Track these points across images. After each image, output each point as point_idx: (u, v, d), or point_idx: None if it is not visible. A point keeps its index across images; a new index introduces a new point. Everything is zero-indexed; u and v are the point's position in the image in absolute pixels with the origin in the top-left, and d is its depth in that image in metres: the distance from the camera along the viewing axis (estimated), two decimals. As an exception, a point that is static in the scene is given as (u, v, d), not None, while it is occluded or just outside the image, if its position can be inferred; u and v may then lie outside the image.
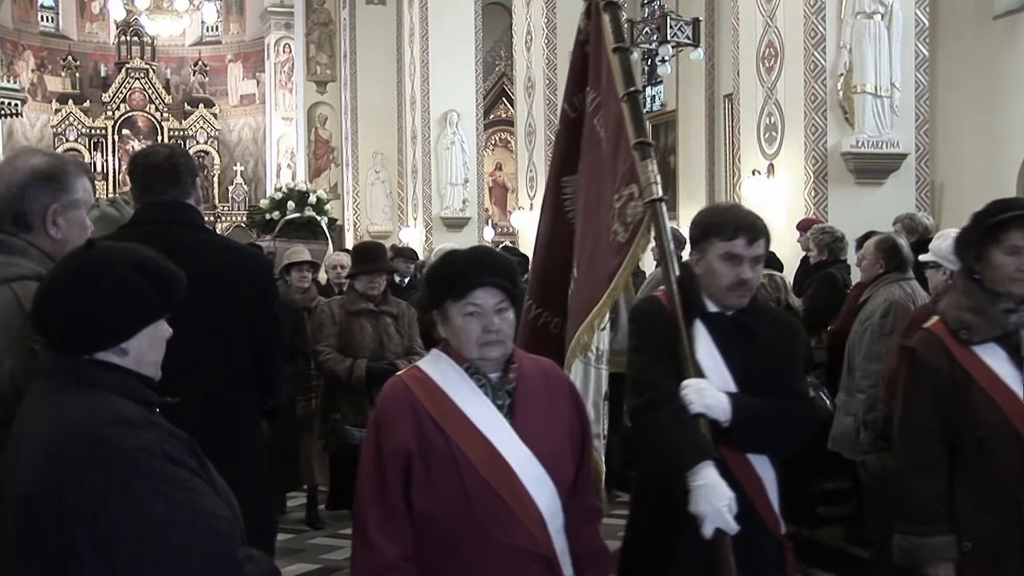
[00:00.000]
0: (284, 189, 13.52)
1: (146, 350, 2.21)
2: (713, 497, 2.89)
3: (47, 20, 28.61)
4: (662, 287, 3.41)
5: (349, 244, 19.27)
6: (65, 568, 2.00)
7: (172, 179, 3.56)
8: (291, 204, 13.07)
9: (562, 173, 4.36)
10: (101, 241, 2.34)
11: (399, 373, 2.95)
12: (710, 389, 3.12)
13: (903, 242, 6.39)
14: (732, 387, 3.19)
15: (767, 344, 3.26)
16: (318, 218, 13.51)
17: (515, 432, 2.77)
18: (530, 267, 4.92)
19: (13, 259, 2.66)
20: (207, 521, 2.06)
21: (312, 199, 12.97)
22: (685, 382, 3.13)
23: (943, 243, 5.19)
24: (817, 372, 6.87)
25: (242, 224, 27.54)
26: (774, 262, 7.42)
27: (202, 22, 28.80)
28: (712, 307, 3.29)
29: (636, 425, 3.22)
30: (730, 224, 3.27)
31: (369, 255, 6.63)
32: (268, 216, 13.48)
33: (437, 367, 2.85)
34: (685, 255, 4.71)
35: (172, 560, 2.00)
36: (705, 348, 3.23)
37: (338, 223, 18.79)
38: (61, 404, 2.11)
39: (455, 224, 19.33)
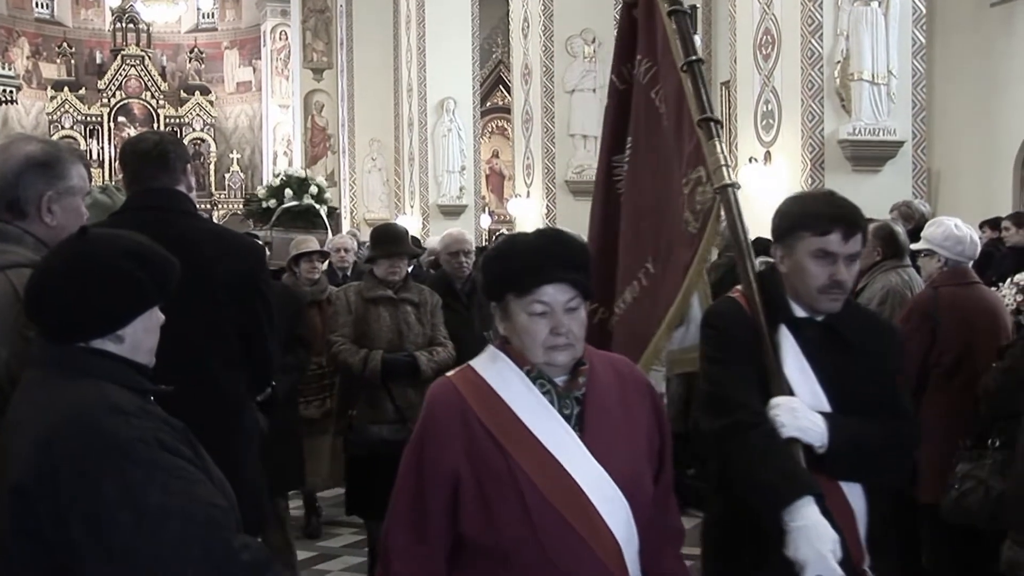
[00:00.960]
0: (283, 176, 12.14)
1: (141, 337, 2.20)
2: (816, 540, 2.52)
3: (42, 7, 28.52)
4: (738, 287, 3.05)
5: (345, 232, 19.24)
6: (60, 557, 1.99)
7: (161, 166, 3.53)
8: (289, 192, 12.23)
9: (612, 152, 3.94)
10: (95, 228, 2.34)
11: (448, 375, 2.57)
12: (803, 409, 2.74)
13: (900, 229, 6.39)
14: (825, 405, 2.80)
15: (864, 355, 2.86)
16: (317, 206, 12.60)
17: (586, 447, 2.40)
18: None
19: (8, 247, 2.66)
20: (202, 510, 2.05)
21: (312, 189, 12.02)
22: (774, 400, 2.75)
23: (936, 230, 5.18)
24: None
25: (238, 212, 27.55)
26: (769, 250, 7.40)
27: (198, 9, 28.79)
28: (799, 311, 2.89)
29: (717, 448, 2.83)
30: (824, 216, 2.84)
31: (390, 238, 5.97)
32: (265, 204, 12.63)
33: (494, 369, 2.49)
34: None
35: (167, 549, 2.00)
36: (793, 359, 2.85)
37: (337, 211, 18.11)
38: (55, 393, 2.10)
39: (452, 212, 19.31)
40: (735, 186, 3.16)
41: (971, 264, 5.19)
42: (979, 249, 5.32)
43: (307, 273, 6.87)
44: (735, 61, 11.71)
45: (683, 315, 3.43)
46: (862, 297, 6.26)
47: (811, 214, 2.85)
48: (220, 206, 27.97)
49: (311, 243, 7.28)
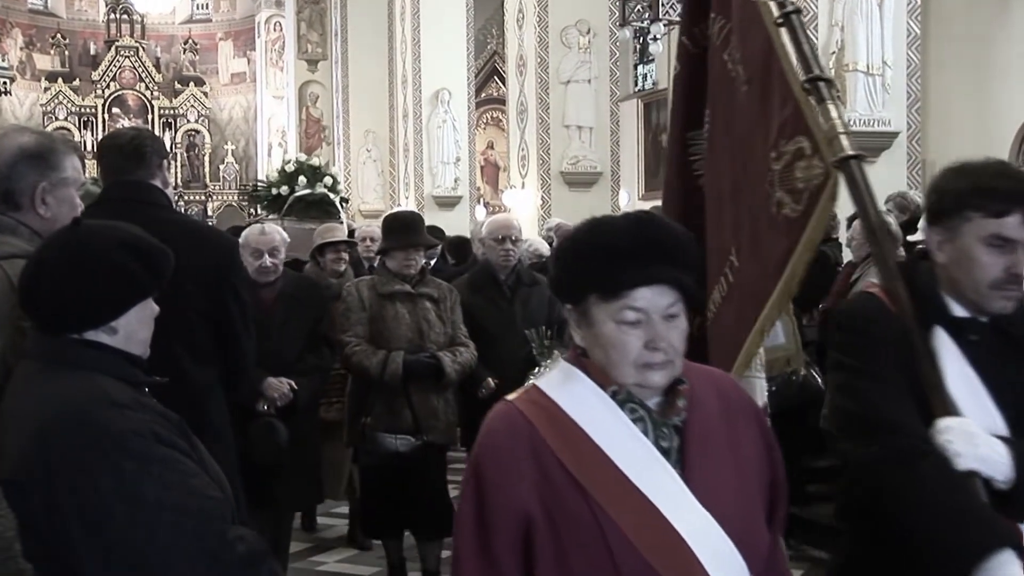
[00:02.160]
0: (294, 162, 11.27)
1: (136, 328, 2.20)
2: None
3: (36, -2, 28.45)
4: (873, 280, 2.57)
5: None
6: (55, 549, 2.00)
7: (136, 160, 3.56)
8: (302, 179, 11.15)
9: (687, 127, 3.35)
10: (88, 220, 2.34)
11: (511, 399, 2.06)
12: (981, 434, 2.22)
13: (892, 220, 6.40)
14: (1001, 427, 2.29)
15: None
16: (332, 196, 11.58)
17: (688, 488, 1.93)
18: None
19: (3, 237, 2.66)
20: (197, 502, 2.05)
21: (328, 180, 11.18)
22: (944, 423, 2.23)
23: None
24: (808, 350, 6.88)
25: (233, 203, 27.51)
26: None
27: (192, 0, 28.69)
28: (959, 311, 2.39)
29: (868, 479, 2.33)
30: (1001, 192, 2.32)
31: (404, 227, 5.42)
32: (276, 191, 11.44)
33: (570, 391, 2.00)
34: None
35: (162, 541, 2.00)
36: (956, 370, 2.32)
37: (348, 203, 17.62)
38: (49, 385, 2.10)
39: (447, 203, 19.29)
40: (860, 157, 2.53)
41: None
42: None
43: (332, 264, 6.46)
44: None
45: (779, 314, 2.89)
46: (856, 288, 6.28)
47: (983, 190, 2.33)
48: (214, 197, 27.93)
49: (338, 231, 6.90)
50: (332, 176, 11.24)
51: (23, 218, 2.73)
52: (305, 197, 10.95)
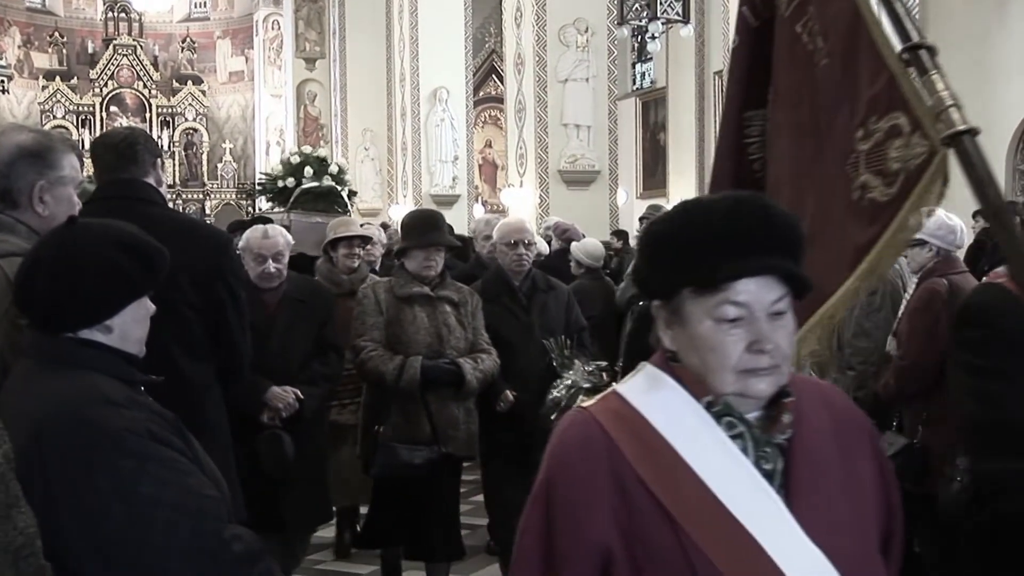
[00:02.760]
0: (299, 153, 10.80)
1: (131, 327, 2.20)
2: None
3: (33, -4, 28.43)
4: (999, 270, 2.37)
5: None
6: (52, 548, 1.99)
7: (130, 158, 3.57)
8: (308, 170, 10.58)
9: (745, 106, 2.98)
10: (83, 219, 2.34)
11: (588, 407, 1.78)
12: None
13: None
14: None
15: None
16: (339, 188, 11.00)
17: (795, 519, 1.66)
18: None
19: (1, 236, 2.66)
20: (193, 500, 2.05)
21: (333, 168, 10.62)
22: None
23: (928, 220, 5.16)
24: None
25: (231, 202, 27.50)
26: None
27: (190, -2, 28.68)
28: None
29: (1012, 495, 2.06)
30: None
31: (425, 225, 5.07)
32: (282, 183, 10.84)
33: (656, 400, 1.73)
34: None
35: (158, 539, 2.00)
36: None
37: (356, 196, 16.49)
38: (45, 384, 2.10)
39: (445, 202, 19.29)
40: (974, 132, 2.25)
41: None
42: (966, 239, 5.35)
43: (345, 259, 6.14)
44: (728, 50, 11.69)
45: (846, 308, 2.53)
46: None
47: None
48: (212, 196, 27.90)
49: (351, 226, 6.60)
50: (339, 166, 10.71)
51: (21, 216, 2.74)
52: (312, 190, 10.40)
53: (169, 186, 27.05)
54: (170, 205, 4.14)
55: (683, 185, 17.13)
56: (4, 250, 2.60)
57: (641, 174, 18.89)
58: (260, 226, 5.15)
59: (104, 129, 27.09)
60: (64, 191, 2.81)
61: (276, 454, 4.57)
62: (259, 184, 10.96)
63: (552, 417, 4.76)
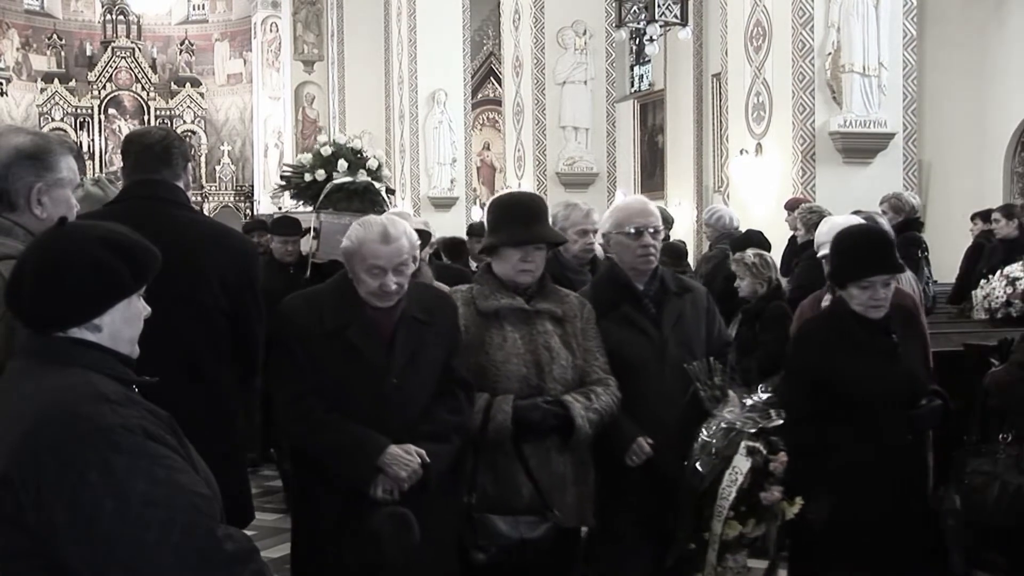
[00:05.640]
0: (331, 143, 8.98)
1: (120, 327, 2.20)
2: None
3: (32, -2, 28.42)
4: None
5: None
6: (44, 545, 2.00)
7: (165, 160, 3.58)
8: (342, 164, 8.83)
9: None
10: (76, 220, 2.34)
11: None
12: None
13: (883, 222, 6.41)
14: None
15: None
16: (376, 185, 9.12)
17: None
18: None
19: (-2, 238, 2.66)
20: (186, 498, 2.06)
21: (372, 163, 8.84)
22: None
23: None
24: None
25: (229, 204, 27.47)
26: (762, 241, 7.43)
27: (188, 0, 28.66)
28: None
29: None
30: None
31: (523, 213, 3.76)
32: (310, 177, 9.06)
33: None
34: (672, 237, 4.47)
35: (150, 537, 2.00)
36: None
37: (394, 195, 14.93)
38: (39, 382, 2.11)
39: (443, 204, 19.30)
40: None
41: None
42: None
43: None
44: (726, 53, 11.71)
45: None
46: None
47: None
48: (211, 198, 27.87)
49: (409, 222, 5.05)
50: (377, 159, 8.97)
51: (19, 219, 2.73)
52: (345, 186, 8.67)
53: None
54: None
55: (681, 187, 17.13)
56: (2, 253, 2.60)
57: (639, 176, 18.87)
58: (374, 219, 3.54)
59: (102, 132, 27.12)
60: (62, 193, 2.81)
61: (401, 540, 3.30)
62: (282, 177, 8.91)
63: (703, 472, 3.67)
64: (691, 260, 9.58)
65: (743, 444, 3.67)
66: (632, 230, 3.98)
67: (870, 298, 3.95)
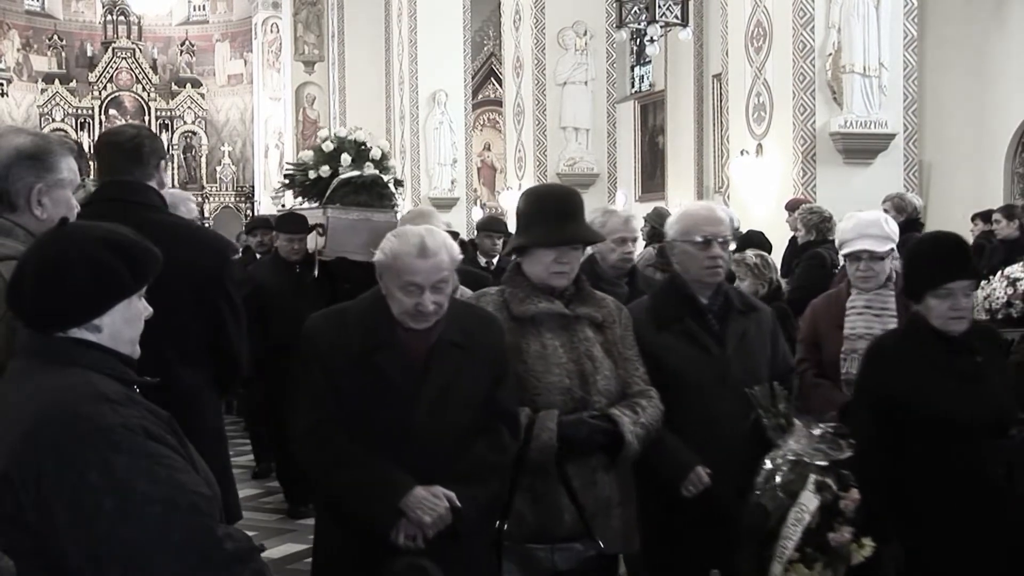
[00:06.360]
0: (333, 138, 8.44)
1: (121, 327, 2.21)
2: None
3: (32, -1, 28.44)
4: None
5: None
6: (44, 544, 2.00)
7: (135, 159, 3.53)
8: (346, 158, 8.41)
9: None
10: (77, 220, 2.35)
11: None
12: None
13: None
14: None
15: None
16: (384, 178, 8.64)
17: None
18: None
19: (-2, 239, 2.66)
20: (186, 498, 2.06)
21: (376, 153, 8.40)
22: None
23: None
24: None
25: (230, 204, 27.49)
26: (762, 242, 7.42)
27: (188, 1, 28.68)
28: None
29: None
30: None
31: (556, 209, 3.43)
32: (314, 174, 8.61)
33: None
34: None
35: (151, 536, 2.01)
36: None
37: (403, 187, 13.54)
38: (40, 381, 2.11)
39: (444, 204, 19.27)
40: None
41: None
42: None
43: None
44: (727, 54, 11.71)
45: None
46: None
47: None
48: (211, 199, 27.88)
49: (433, 218, 4.60)
50: (382, 150, 8.50)
51: (19, 220, 2.73)
52: (352, 180, 8.22)
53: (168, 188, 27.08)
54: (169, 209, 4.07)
55: (682, 188, 17.12)
56: (2, 254, 2.60)
57: (640, 177, 18.86)
58: (410, 231, 3.14)
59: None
60: (62, 194, 2.81)
61: None
62: (285, 176, 8.32)
63: (768, 508, 3.38)
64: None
65: (811, 479, 3.34)
66: (700, 239, 3.70)
67: (950, 308, 3.55)
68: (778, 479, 3.39)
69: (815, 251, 7.72)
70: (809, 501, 3.30)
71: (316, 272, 7.11)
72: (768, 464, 3.43)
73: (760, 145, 10.91)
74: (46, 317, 2.16)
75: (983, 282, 7.53)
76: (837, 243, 4.44)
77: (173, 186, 26.59)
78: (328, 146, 8.21)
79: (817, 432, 3.44)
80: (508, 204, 17.74)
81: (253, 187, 27.16)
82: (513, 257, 3.56)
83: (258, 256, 9.16)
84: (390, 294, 3.06)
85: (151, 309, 2.28)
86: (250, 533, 2.50)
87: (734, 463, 3.47)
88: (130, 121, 26.72)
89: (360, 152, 8.47)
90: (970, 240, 9.67)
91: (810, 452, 3.39)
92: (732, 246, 4.14)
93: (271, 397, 6.62)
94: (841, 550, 3.30)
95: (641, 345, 3.53)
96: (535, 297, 3.37)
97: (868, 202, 8.09)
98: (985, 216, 9.73)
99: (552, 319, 3.37)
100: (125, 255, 2.19)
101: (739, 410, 3.56)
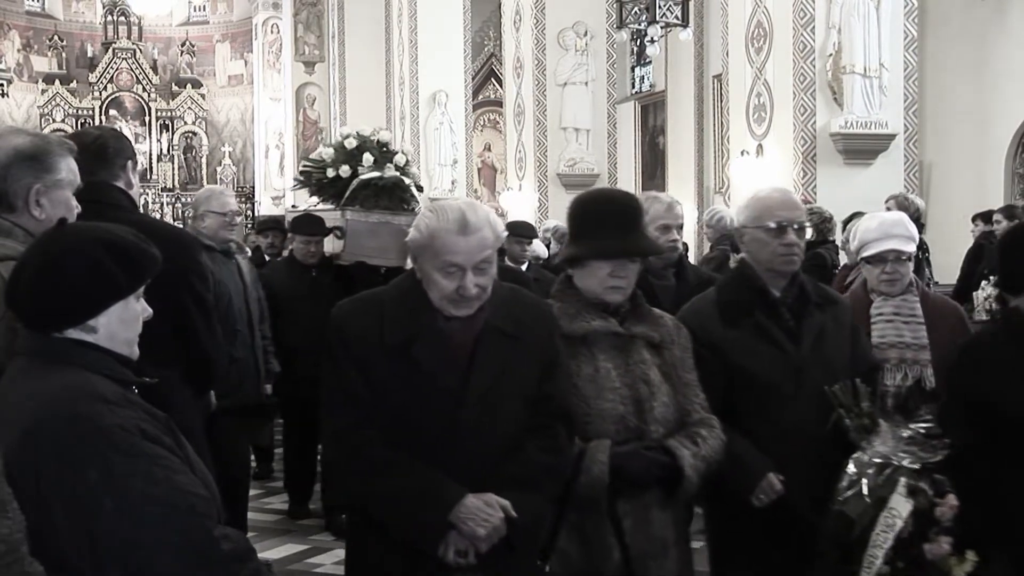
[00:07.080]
0: (355, 136, 7.95)
1: (116, 328, 2.21)
2: None
3: (33, -1, 28.46)
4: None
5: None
6: (43, 543, 2.00)
7: (99, 160, 3.51)
8: (368, 158, 7.90)
9: None
10: (76, 221, 2.35)
11: None
12: None
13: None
14: None
15: None
16: (406, 181, 8.14)
17: None
18: None
19: (-3, 240, 2.66)
20: (183, 498, 2.07)
21: (399, 158, 7.95)
22: None
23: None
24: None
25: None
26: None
27: (189, 2, 28.69)
28: None
29: None
30: None
31: (618, 218, 3.08)
32: (333, 172, 8.00)
33: None
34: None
35: (148, 536, 2.02)
36: None
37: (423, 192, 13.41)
38: (39, 381, 2.12)
39: (444, 205, 19.30)
40: None
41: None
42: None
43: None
44: (727, 54, 11.71)
45: None
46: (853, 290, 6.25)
47: None
48: (212, 200, 27.87)
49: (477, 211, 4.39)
50: (404, 154, 8.09)
51: (18, 220, 2.73)
52: (373, 182, 7.72)
53: (168, 189, 27.13)
54: (166, 208, 4.03)
55: (682, 188, 17.11)
56: (1, 254, 2.60)
57: (640, 177, 18.85)
58: (449, 205, 2.79)
59: (103, 133, 27.08)
60: (61, 194, 2.81)
61: None
62: (300, 173, 7.64)
63: (852, 516, 3.07)
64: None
65: (902, 483, 3.02)
66: (773, 225, 3.39)
67: None
68: (864, 484, 3.07)
69: (815, 251, 7.72)
70: (901, 505, 3.00)
71: (334, 276, 6.83)
72: (852, 468, 3.11)
73: (760, 146, 10.92)
74: (43, 317, 2.17)
75: (983, 283, 7.53)
76: (854, 245, 4.15)
77: (173, 186, 26.68)
78: (351, 143, 7.84)
79: (907, 434, 3.13)
80: (509, 205, 17.74)
81: (253, 187, 27.17)
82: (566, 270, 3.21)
83: (267, 258, 8.93)
84: (427, 278, 2.72)
85: (150, 310, 2.28)
86: (250, 534, 2.50)
87: (810, 470, 3.17)
88: (131, 122, 26.78)
89: (383, 153, 8.05)
90: (971, 240, 9.69)
91: (899, 454, 3.08)
92: (809, 232, 3.77)
93: (282, 397, 6.51)
94: (938, 563, 2.98)
95: (707, 341, 3.27)
96: (587, 314, 3.04)
97: (868, 203, 8.09)
98: (986, 216, 9.73)
99: (606, 339, 3.03)
100: (121, 256, 2.20)
101: (815, 413, 3.24)
